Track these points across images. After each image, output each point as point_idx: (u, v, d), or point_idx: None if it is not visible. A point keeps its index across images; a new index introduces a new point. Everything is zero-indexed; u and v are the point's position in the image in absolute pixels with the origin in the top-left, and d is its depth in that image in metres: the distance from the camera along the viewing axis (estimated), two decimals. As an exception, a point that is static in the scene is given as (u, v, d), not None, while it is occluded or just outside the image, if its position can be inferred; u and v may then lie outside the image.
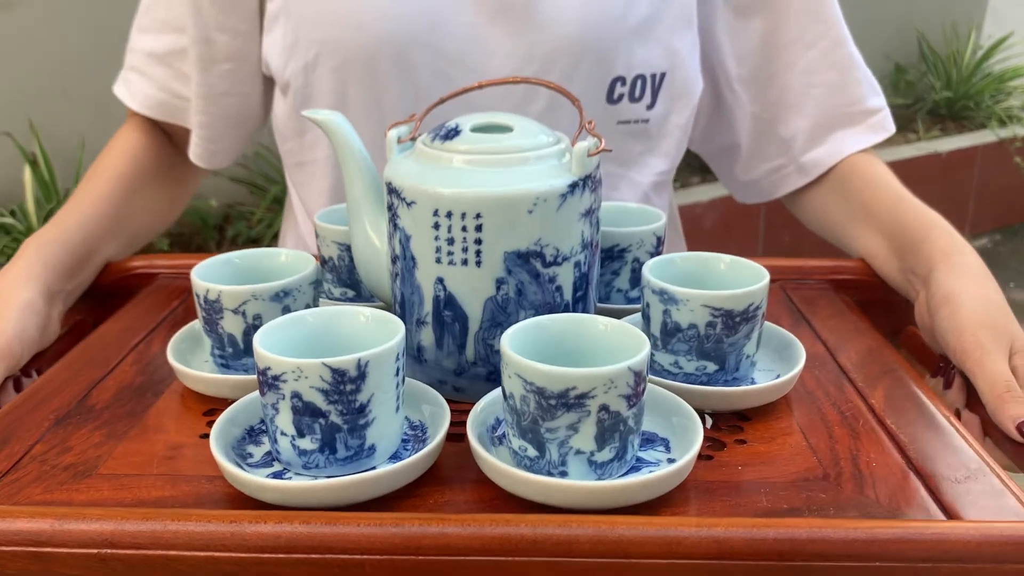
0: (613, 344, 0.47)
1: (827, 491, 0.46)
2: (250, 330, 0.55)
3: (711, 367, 0.54)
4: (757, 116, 0.83)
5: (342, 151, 0.59)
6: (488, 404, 0.50)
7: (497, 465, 0.44)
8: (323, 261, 0.68)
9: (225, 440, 0.47)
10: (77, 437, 0.51)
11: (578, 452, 0.44)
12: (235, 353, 0.56)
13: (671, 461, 0.47)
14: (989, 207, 2.98)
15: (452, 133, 0.54)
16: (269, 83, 0.83)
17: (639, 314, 0.61)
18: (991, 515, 0.43)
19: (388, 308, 0.64)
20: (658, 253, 0.66)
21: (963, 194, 2.92)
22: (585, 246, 0.54)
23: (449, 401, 0.55)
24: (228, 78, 0.79)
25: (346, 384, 0.44)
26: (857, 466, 0.48)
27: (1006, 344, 0.59)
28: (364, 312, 0.49)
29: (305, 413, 0.44)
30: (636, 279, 0.66)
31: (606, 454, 0.44)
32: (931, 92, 3.27)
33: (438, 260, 0.52)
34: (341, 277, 0.67)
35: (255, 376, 0.52)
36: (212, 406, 0.55)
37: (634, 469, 0.46)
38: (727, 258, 0.58)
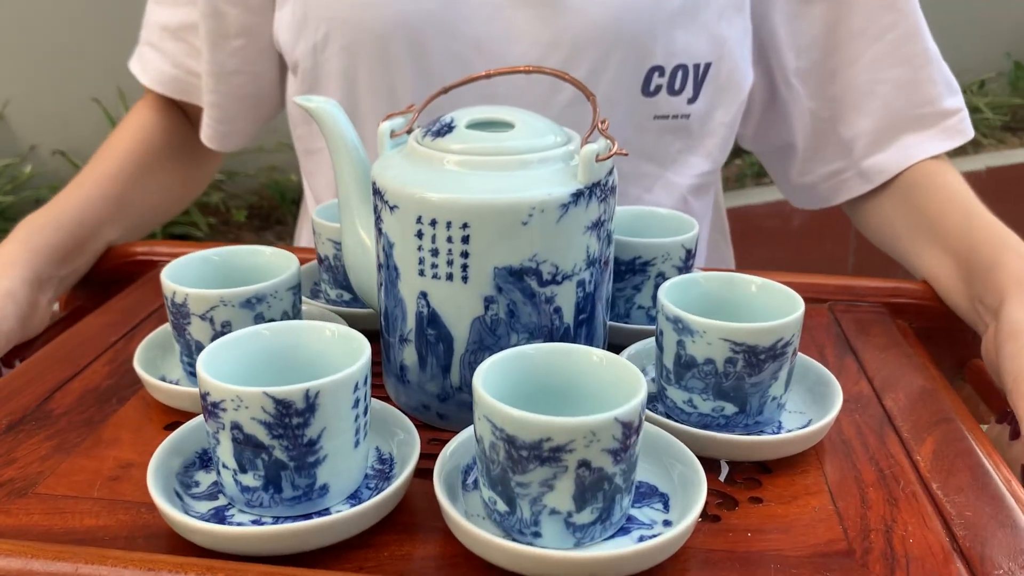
0: (607, 382, 0.41)
1: (850, 572, 0.39)
2: (218, 337, 0.50)
3: (730, 408, 0.47)
4: (815, 114, 0.75)
5: (333, 142, 0.54)
6: (465, 440, 0.44)
7: (461, 523, 0.38)
8: (320, 259, 0.62)
9: (168, 467, 0.42)
10: (26, 447, 0.47)
11: (553, 512, 0.38)
12: (203, 362, 0.51)
13: (667, 524, 0.40)
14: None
15: (445, 129, 0.48)
16: (284, 62, 0.78)
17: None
18: (1050, 621, 0.36)
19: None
20: (687, 268, 0.59)
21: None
22: (591, 263, 0.48)
23: (432, 429, 0.50)
24: (239, 55, 0.74)
25: (292, 417, 0.38)
26: (890, 542, 0.41)
27: None
28: (329, 328, 0.44)
29: (247, 447, 0.39)
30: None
31: (586, 516, 0.38)
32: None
33: (421, 272, 0.47)
34: (337, 278, 0.62)
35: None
36: (176, 418, 0.50)
37: (623, 531, 0.40)
38: (758, 280, 0.50)
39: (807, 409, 0.50)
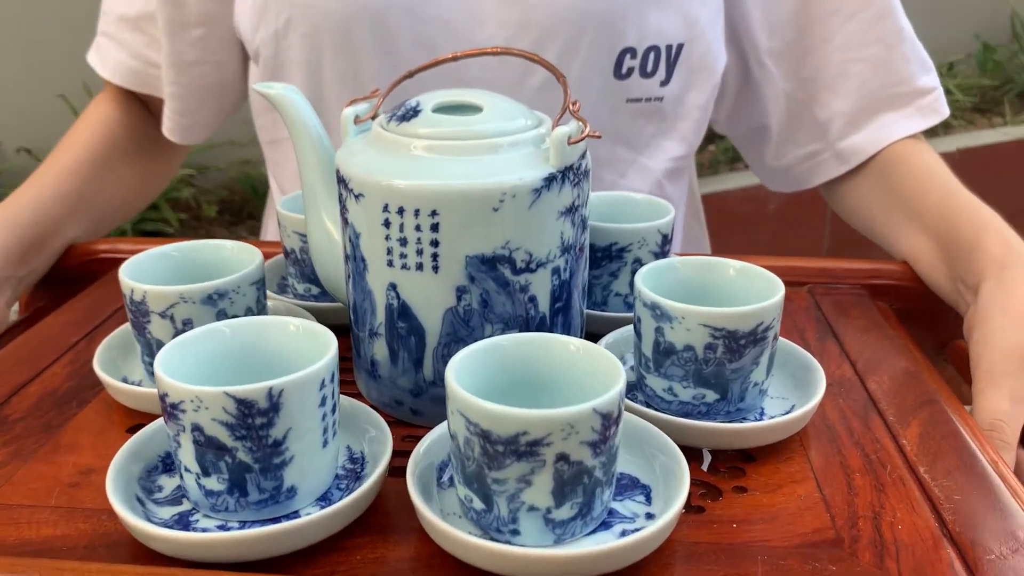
0: (585, 372, 0.39)
1: (839, 562, 0.37)
2: (178, 335, 0.48)
3: (711, 396, 0.46)
4: (790, 95, 0.74)
5: (295, 130, 0.52)
6: (439, 437, 0.42)
7: (436, 523, 0.36)
8: (286, 253, 0.60)
9: (128, 472, 0.40)
10: (-23, 456, 0.45)
11: (532, 508, 0.36)
12: (165, 361, 0.49)
13: (650, 517, 0.39)
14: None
15: (411, 113, 0.46)
16: (246, 51, 0.76)
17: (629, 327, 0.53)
18: (1043, 606, 0.35)
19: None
20: (664, 253, 0.58)
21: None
22: (566, 249, 0.46)
23: (406, 426, 0.48)
24: (199, 45, 0.72)
25: (255, 417, 0.37)
26: (879, 529, 0.39)
27: None
28: (293, 323, 0.42)
29: (208, 449, 0.37)
30: (637, 282, 0.58)
31: (566, 511, 0.37)
32: (1021, 73, 3.08)
33: (390, 263, 0.45)
34: (304, 271, 0.60)
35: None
36: (139, 421, 0.48)
37: (604, 525, 0.39)
38: (737, 264, 0.49)
39: (789, 395, 0.49)
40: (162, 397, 0.38)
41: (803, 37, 0.71)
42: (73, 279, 0.71)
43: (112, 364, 0.51)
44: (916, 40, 0.71)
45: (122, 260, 0.70)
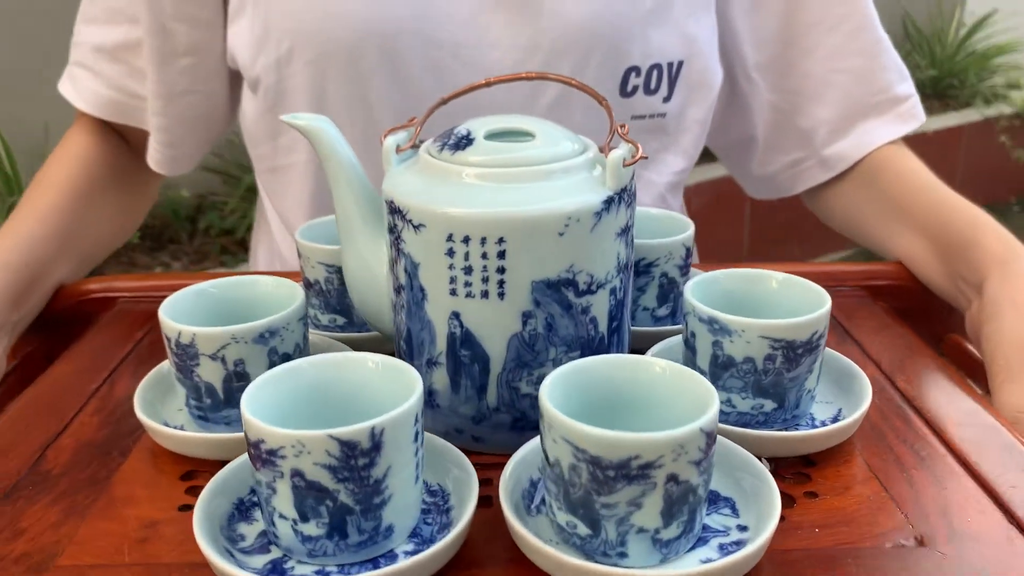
0: (671, 392, 0.40)
1: (927, 560, 0.39)
2: (231, 377, 0.47)
3: (768, 405, 0.47)
4: (775, 106, 0.76)
5: (329, 162, 0.51)
6: (520, 463, 0.42)
7: (545, 551, 0.36)
8: (308, 284, 0.59)
9: (211, 521, 0.39)
10: (30, 515, 0.43)
11: (641, 530, 0.37)
12: (214, 404, 0.47)
13: (742, 528, 0.40)
14: (975, 186, 2.95)
15: (464, 142, 0.46)
16: (236, 79, 0.74)
17: (677, 337, 0.54)
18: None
19: (387, 340, 0.57)
20: (687, 267, 0.59)
21: (949, 173, 2.87)
22: (621, 269, 0.47)
23: (467, 452, 0.48)
24: (189, 74, 0.70)
25: (358, 458, 0.36)
26: (952, 524, 0.41)
27: None
28: (372, 359, 0.42)
29: (309, 494, 0.36)
30: (664, 296, 0.59)
31: (673, 530, 0.37)
32: (916, 71, 3.24)
33: (453, 292, 0.45)
34: (329, 302, 0.59)
35: (236, 434, 0.45)
36: (191, 467, 0.47)
37: (701, 541, 0.39)
38: (779, 276, 0.51)
39: (834, 398, 0.51)
40: (255, 444, 0.37)
41: (788, 50, 0.74)
42: (65, 321, 0.68)
43: (151, 409, 0.49)
44: (892, 49, 0.74)
45: (118, 299, 0.68)
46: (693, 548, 0.39)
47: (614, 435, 0.35)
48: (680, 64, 0.67)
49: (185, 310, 0.49)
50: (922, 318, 0.70)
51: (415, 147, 0.50)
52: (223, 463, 0.46)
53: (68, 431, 0.51)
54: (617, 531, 0.37)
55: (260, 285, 0.52)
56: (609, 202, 0.45)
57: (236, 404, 0.47)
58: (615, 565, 0.37)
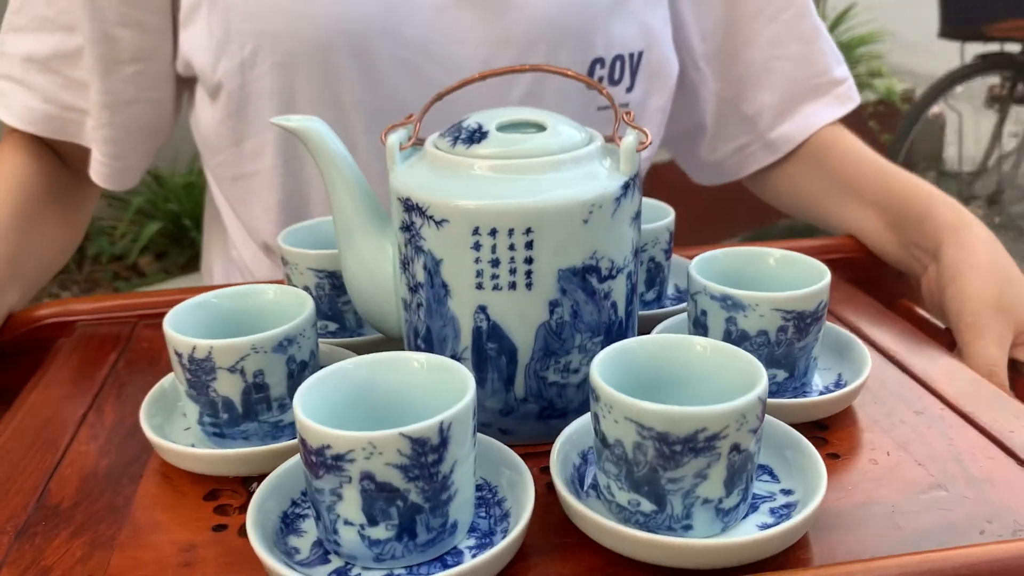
0: (712, 368, 0.41)
1: (956, 505, 0.42)
2: (250, 390, 0.45)
3: (781, 375, 0.49)
4: (720, 95, 0.79)
5: (325, 163, 0.50)
6: (563, 448, 0.43)
7: (616, 529, 0.37)
8: (297, 292, 0.58)
9: (265, 534, 0.38)
10: (53, 551, 0.41)
11: (705, 501, 0.38)
12: (231, 419, 0.46)
13: (786, 492, 0.42)
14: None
15: (477, 135, 0.46)
16: (180, 85, 0.71)
17: (675, 318, 0.55)
18: None
19: (389, 342, 0.56)
20: (670, 250, 0.61)
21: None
22: (635, 254, 0.48)
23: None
24: (135, 82, 0.67)
25: (428, 455, 0.36)
26: (966, 470, 0.44)
27: (1011, 326, 0.58)
28: (417, 359, 0.41)
29: (380, 496, 0.36)
30: (651, 280, 0.60)
31: (734, 499, 0.38)
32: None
33: (479, 286, 0.45)
34: (321, 308, 0.57)
35: (261, 447, 0.44)
36: (211, 487, 0.45)
37: (752, 508, 0.41)
38: (776, 252, 0.53)
39: (832, 365, 0.53)
40: (318, 451, 0.36)
41: (730, 39, 0.77)
42: (19, 350, 0.64)
43: (160, 432, 0.47)
44: (827, 34, 0.78)
45: (75, 323, 0.64)
46: (747, 515, 0.40)
47: (681, 410, 0.36)
48: (640, 55, 0.69)
49: (191, 323, 0.47)
50: (873, 288, 0.74)
51: (419, 144, 0.50)
52: (245, 479, 0.45)
53: (66, 462, 0.48)
54: (683, 504, 0.38)
55: (264, 294, 0.50)
56: (626, 187, 0.46)
57: (255, 417, 0.46)
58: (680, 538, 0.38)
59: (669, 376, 0.42)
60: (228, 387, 0.45)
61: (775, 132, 0.79)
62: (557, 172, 0.45)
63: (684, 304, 0.59)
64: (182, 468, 0.46)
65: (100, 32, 0.64)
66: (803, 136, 0.78)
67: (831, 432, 0.48)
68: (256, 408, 0.46)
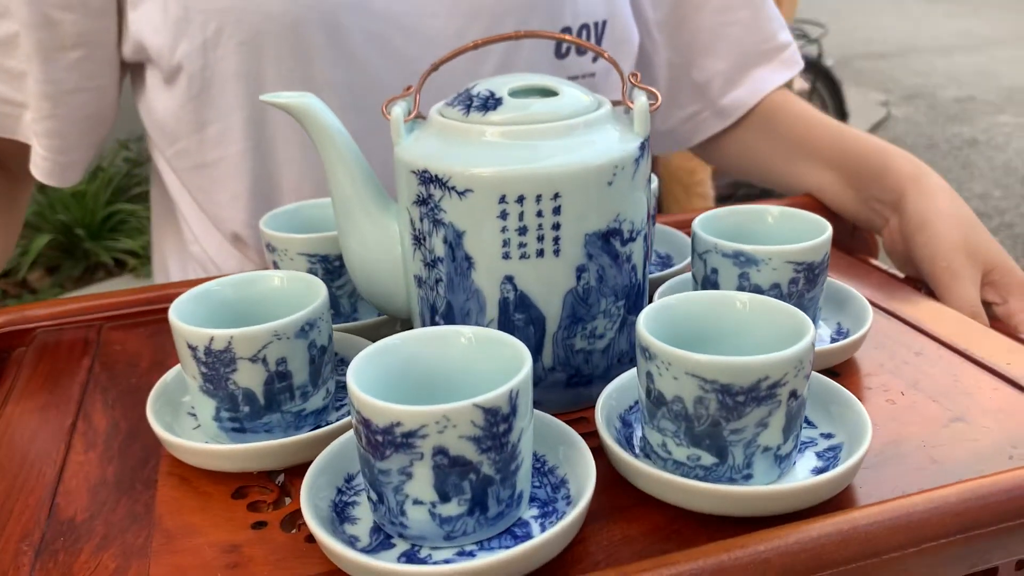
0: (753, 322, 0.42)
1: (979, 434, 0.44)
2: (272, 379, 0.43)
3: (792, 326, 0.50)
4: (671, 62, 0.80)
5: (322, 141, 0.48)
6: (604, 411, 0.43)
7: (685, 484, 0.37)
8: (285, 279, 0.55)
9: (325, 527, 0.36)
10: (83, 567, 0.38)
11: (765, 450, 0.38)
12: (253, 412, 0.43)
13: (826, 436, 0.43)
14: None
15: (491, 102, 0.45)
16: (123, 71, 0.67)
17: (680, 278, 0.56)
18: None
19: (389, 324, 0.54)
20: (654, 216, 0.61)
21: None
22: (649, 215, 0.48)
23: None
24: (78, 69, 0.63)
25: (499, 424, 0.35)
26: (977, 402, 0.46)
27: (979, 268, 0.61)
28: (464, 333, 0.40)
29: (452, 471, 0.35)
30: (640, 246, 0.61)
31: (789, 445, 0.39)
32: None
33: (506, 256, 0.44)
34: (313, 295, 0.55)
35: (294, 437, 0.42)
36: (237, 484, 0.43)
37: (799, 453, 0.42)
38: (775, 209, 0.54)
39: (829, 315, 0.55)
40: (386, 430, 0.34)
41: (680, 6, 0.78)
42: (-30, 363, 0.59)
43: (171, 432, 0.44)
44: (771, 0, 0.80)
45: (35, 330, 0.60)
46: (797, 462, 0.41)
47: (744, 360, 0.36)
48: (604, 23, 0.69)
49: (199, 315, 0.44)
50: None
51: (421, 116, 0.48)
52: (270, 474, 0.43)
53: (68, 473, 0.44)
54: (744, 454, 0.38)
55: (267, 280, 0.48)
56: (642, 148, 0.45)
57: (278, 408, 0.44)
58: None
59: (709, 332, 0.42)
60: (250, 378, 0.43)
61: (726, 98, 0.80)
62: (574, 136, 0.45)
63: (676, 268, 0.60)
64: (204, 467, 0.43)
65: (39, 15, 0.60)
66: (754, 101, 0.80)
67: (844, 378, 0.50)
68: (279, 398, 0.43)
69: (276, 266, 0.55)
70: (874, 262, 0.71)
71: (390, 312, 0.51)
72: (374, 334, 0.54)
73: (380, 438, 0.35)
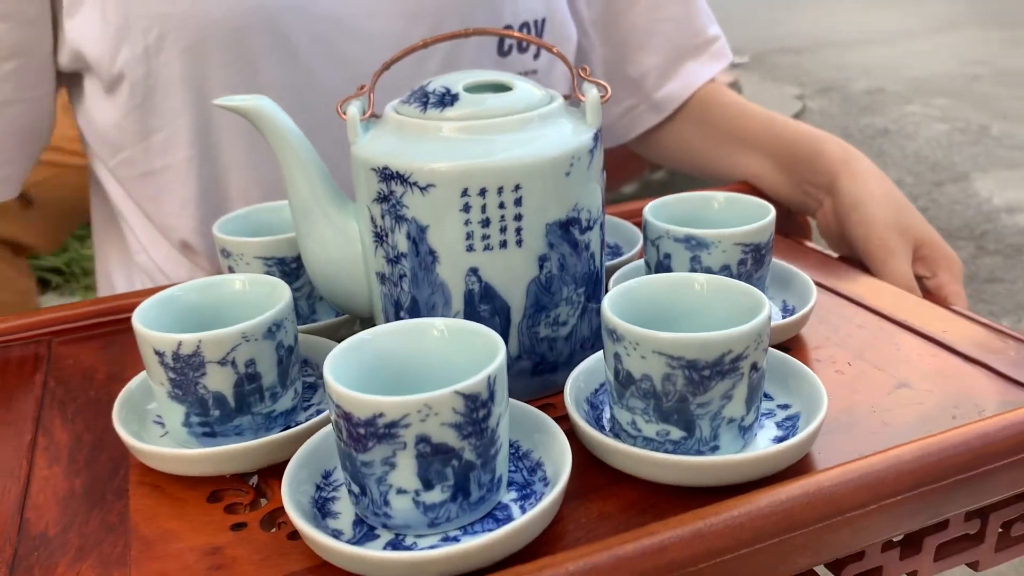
0: (711, 301, 0.44)
1: (922, 397, 0.46)
2: (242, 381, 0.43)
3: (743, 306, 0.52)
4: (606, 59, 0.82)
5: (277, 142, 0.48)
6: (572, 395, 0.44)
7: (653, 457, 0.39)
8: (242, 284, 0.55)
9: (308, 522, 0.36)
10: (60, 580, 0.37)
11: (730, 421, 0.40)
12: (224, 415, 0.43)
13: (784, 407, 0.45)
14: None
15: (448, 98, 0.46)
16: (59, 82, 0.66)
17: (632, 265, 0.58)
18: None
19: (353, 321, 0.55)
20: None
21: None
22: (602, 204, 0.49)
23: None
24: (14, 80, 0.61)
25: (479, 410, 0.36)
26: (918, 368, 0.49)
27: (910, 244, 0.64)
28: (436, 325, 0.41)
29: (435, 459, 0.35)
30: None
31: (752, 416, 0.41)
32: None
33: (470, 248, 0.45)
34: (272, 298, 0.55)
35: (269, 437, 0.42)
36: (211, 488, 0.43)
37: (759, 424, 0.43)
38: (720, 196, 0.56)
39: (774, 293, 0.57)
40: (368, 422, 0.35)
41: (612, 4, 0.80)
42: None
43: (138, 440, 0.44)
44: (701, -7, 0.83)
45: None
46: (758, 432, 0.43)
47: (709, 336, 0.38)
48: (543, 21, 0.70)
49: (157, 322, 0.44)
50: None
51: (375, 115, 0.49)
52: (244, 475, 0.43)
53: (34, 488, 0.43)
54: (711, 426, 0.40)
55: (230, 284, 0.48)
56: (595, 139, 0.47)
57: (248, 410, 0.44)
58: (710, 459, 0.40)
59: (670, 312, 0.44)
60: (219, 381, 0.43)
61: (660, 92, 0.83)
62: (529, 130, 0.46)
63: (627, 256, 0.61)
64: (177, 473, 0.43)
65: (-31, 26, 0.58)
66: (687, 94, 0.82)
67: (793, 353, 0.52)
68: (249, 400, 0.43)
69: (232, 271, 0.55)
70: (809, 244, 0.74)
71: (351, 311, 0.51)
72: (333, 335, 0.54)
73: (363, 430, 0.35)
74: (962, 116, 2.92)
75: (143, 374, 0.48)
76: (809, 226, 0.78)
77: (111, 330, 0.60)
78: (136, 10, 0.58)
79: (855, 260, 0.67)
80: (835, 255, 0.70)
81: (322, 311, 0.57)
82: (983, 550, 0.43)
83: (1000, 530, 0.44)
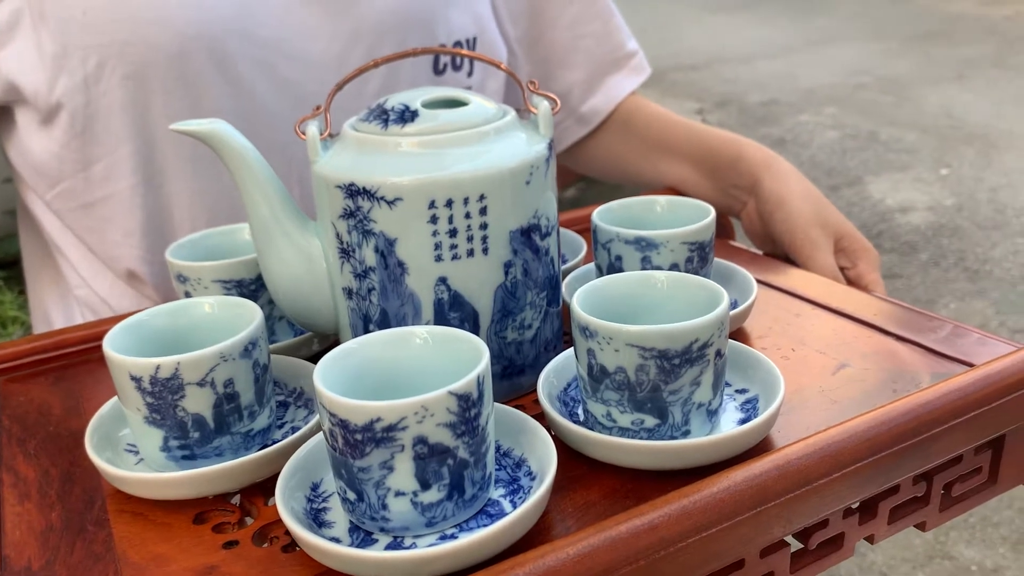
0: (671, 296, 0.46)
1: (861, 376, 0.50)
2: (221, 402, 0.43)
3: (692, 302, 0.55)
4: (531, 75, 0.85)
5: (236, 165, 0.49)
6: (545, 393, 0.46)
7: (643, 445, 0.41)
8: (200, 309, 0.55)
9: (304, 528, 0.37)
10: (54, 612, 0.37)
11: (699, 406, 0.43)
12: (204, 437, 0.43)
13: (741, 391, 0.48)
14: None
15: (408, 114, 0.48)
16: None
17: (583, 268, 0.60)
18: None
19: (312, 340, 0.55)
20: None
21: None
22: (556, 210, 0.52)
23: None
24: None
25: (470, 409, 0.37)
26: (856, 349, 0.53)
27: (831, 237, 0.69)
28: (419, 334, 0.42)
29: (432, 459, 0.37)
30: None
31: (718, 399, 0.44)
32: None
33: (438, 258, 0.46)
34: (231, 321, 0.55)
35: (255, 454, 0.43)
36: (195, 510, 0.43)
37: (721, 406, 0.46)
38: (662, 199, 0.59)
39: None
40: (366, 428, 0.36)
41: (535, 22, 0.82)
42: None
43: (118, 466, 0.43)
44: (618, 11, 0.87)
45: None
46: (721, 415, 0.46)
47: (677, 326, 0.40)
48: (475, 40, 0.72)
49: (134, 347, 0.44)
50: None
51: (331, 134, 0.50)
52: (226, 496, 0.43)
53: (8, 525, 0.43)
54: (682, 412, 0.42)
55: (199, 307, 0.48)
56: (550, 148, 0.49)
57: (227, 430, 0.44)
58: (682, 444, 0.43)
59: (634, 308, 0.46)
60: (198, 403, 0.43)
61: (585, 106, 0.86)
62: (487, 142, 0.48)
63: (575, 261, 0.64)
64: (160, 498, 0.43)
65: None
66: (611, 107, 0.86)
67: (742, 342, 0.55)
68: (228, 420, 0.44)
69: (188, 296, 0.55)
70: (734, 243, 0.78)
71: (315, 329, 0.52)
72: (294, 354, 0.55)
73: (360, 436, 0.36)
74: (851, 123, 3.09)
75: (111, 402, 0.48)
76: (732, 226, 0.82)
77: (60, 364, 0.58)
78: (74, 40, 0.57)
79: (780, 255, 0.71)
80: (760, 252, 0.74)
81: (280, 332, 0.57)
82: (929, 511, 0.47)
83: (943, 492, 0.47)
